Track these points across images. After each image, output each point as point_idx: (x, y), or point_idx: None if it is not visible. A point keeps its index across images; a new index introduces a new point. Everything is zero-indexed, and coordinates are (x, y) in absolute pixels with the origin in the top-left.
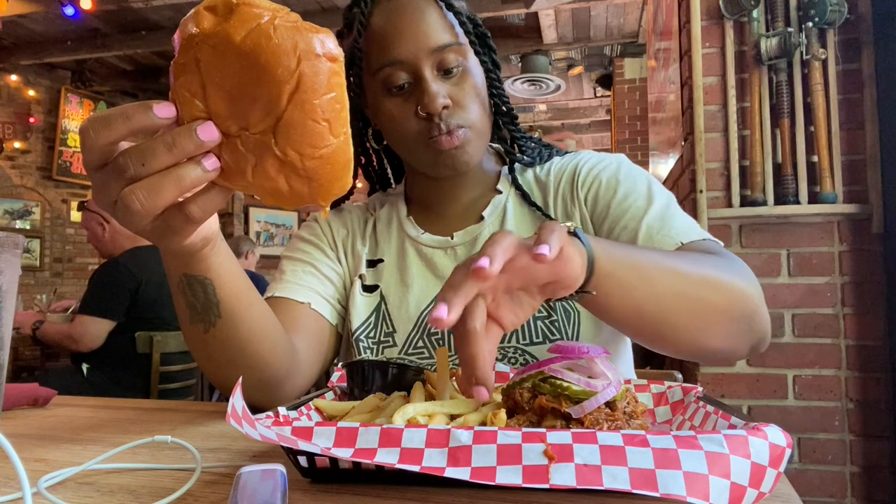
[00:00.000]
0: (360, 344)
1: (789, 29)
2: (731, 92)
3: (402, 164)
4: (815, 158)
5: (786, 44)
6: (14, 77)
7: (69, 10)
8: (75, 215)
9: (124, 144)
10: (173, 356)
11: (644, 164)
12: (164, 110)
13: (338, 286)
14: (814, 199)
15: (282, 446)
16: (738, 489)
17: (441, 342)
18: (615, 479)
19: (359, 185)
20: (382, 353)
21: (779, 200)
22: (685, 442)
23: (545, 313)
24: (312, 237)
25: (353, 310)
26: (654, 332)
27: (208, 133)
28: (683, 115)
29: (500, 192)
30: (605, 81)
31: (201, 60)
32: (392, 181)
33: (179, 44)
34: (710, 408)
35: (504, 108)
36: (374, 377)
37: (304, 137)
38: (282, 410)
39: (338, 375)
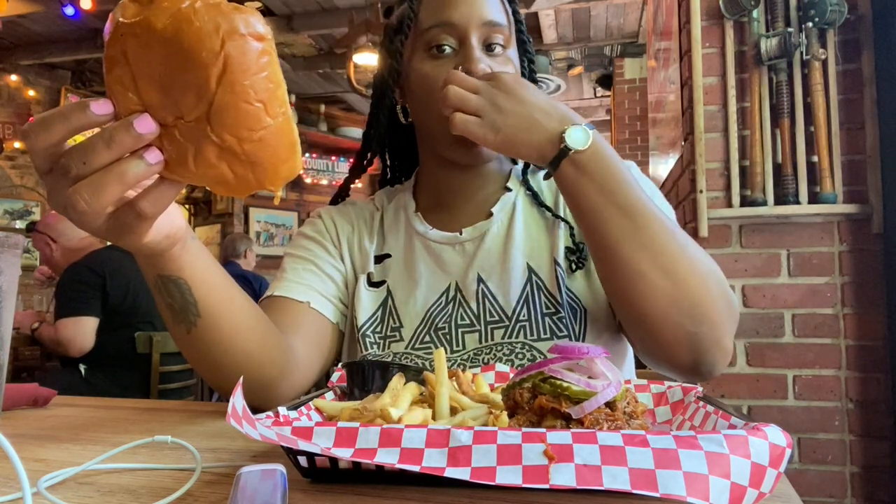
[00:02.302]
0: (367, 339)
1: (789, 29)
2: (731, 92)
3: (415, 159)
4: (815, 158)
5: (786, 44)
6: (14, 77)
7: (69, 10)
8: None
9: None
10: (173, 356)
11: (644, 164)
12: (100, 107)
13: (339, 284)
14: (814, 199)
15: (282, 446)
16: (739, 489)
17: (448, 337)
18: (615, 479)
19: (358, 184)
20: (389, 347)
21: (779, 200)
22: (685, 442)
23: (553, 309)
24: (315, 234)
25: (358, 305)
26: (607, 251)
27: (145, 125)
28: (683, 115)
29: (509, 190)
30: (605, 81)
31: (129, 51)
32: (401, 178)
33: (108, 36)
34: (710, 408)
35: None
36: (374, 377)
37: (239, 120)
38: (282, 410)
39: (338, 375)
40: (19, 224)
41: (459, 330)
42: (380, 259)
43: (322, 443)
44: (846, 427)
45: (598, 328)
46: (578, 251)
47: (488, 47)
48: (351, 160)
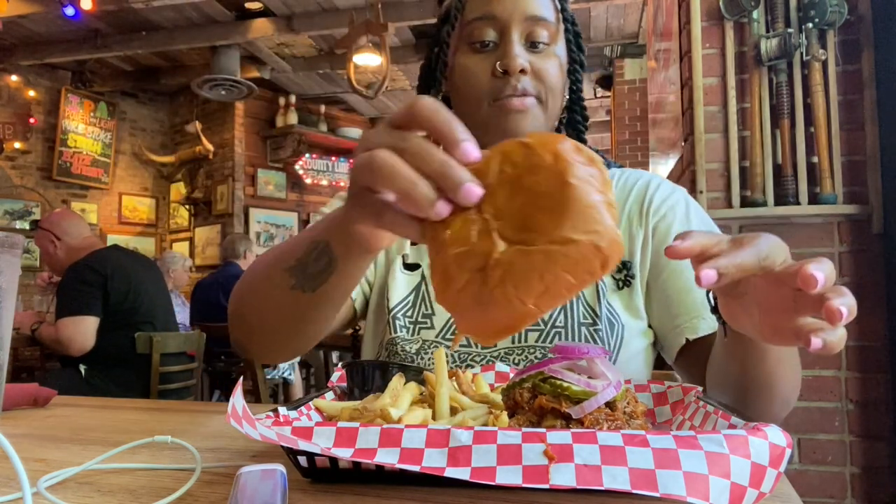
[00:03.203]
0: (397, 322)
1: (789, 30)
2: (732, 93)
3: None
4: (815, 159)
5: (786, 45)
6: (14, 77)
7: (69, 11)
8: None
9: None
10: (173, 356)
11: (644, 164)
12: (473, 152)
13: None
14: (814, 199)
15: (282, 446)
16: (739, 489)
17: None
18: (615, 479)
19: None
20: (419, 333)
21: (779, 201)
22: (685, 442)
23: (590, 321)
24: None
25: (392, 284)
26: (756, 374)
27: (473, 191)
28: (683, 115)
29: None
30: (606, 82)
31: (505, 172)
32: None
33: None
34: (710, 408)
35: (578, 108)
36: (374, 377)
37: (548, 290)
38: (282, 410)
39: (338, 375)
40: (19, 224)
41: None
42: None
43: (322, 443)
44: (846, 427)
45: (635, 344)
46: (626, 269)
47: (532, 43)
48: (351, 161)
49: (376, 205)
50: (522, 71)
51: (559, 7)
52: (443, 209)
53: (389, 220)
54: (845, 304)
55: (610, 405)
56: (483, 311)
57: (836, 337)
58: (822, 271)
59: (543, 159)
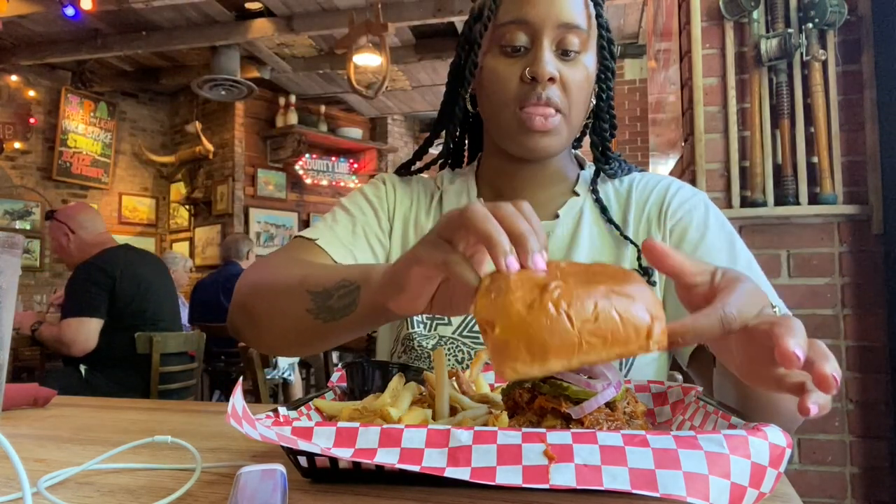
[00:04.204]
0: (414, 317)
1: (789, 30)
2: (732, 93)
3: (480, 143)
4: (815, 159)
5: (786, 45)
6: (14, 77)
7: (69, 11)
8: None
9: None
10: (173, 357)
11: (644, 164)
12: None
13: (379, 257)
14: (814, 200)
15: (282, 446)
16: (739, 489)
17: None
18: (615, 479)
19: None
20: (435, 329)
21: (779, 201)
22: (685, 442)
23: None
24: (374, 199)
25: None
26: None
27: (542, 259)
28: (683, 115)
29: (576, 195)
30: None
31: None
32: (466, 160)
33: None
34: (710, 408)
35: (606, 115)
36: (374, 377)
37: (582, 303)
38: (282, 410)
39: (338, 375)
40: (19, 224)
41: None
42: None
43: (322, 443)
44: (846, 428)
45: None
46: (648, 275)
47: (563, 51)
48: (351, 161)
49: (447, 250)
50: (551, 79)
51: (594, 12)
52: (513, 264)
53: (454, 261)
54: (835, 369)
55: (610, 405)
56: (528, 318)
57: (825, 400)
58: (799, 346)
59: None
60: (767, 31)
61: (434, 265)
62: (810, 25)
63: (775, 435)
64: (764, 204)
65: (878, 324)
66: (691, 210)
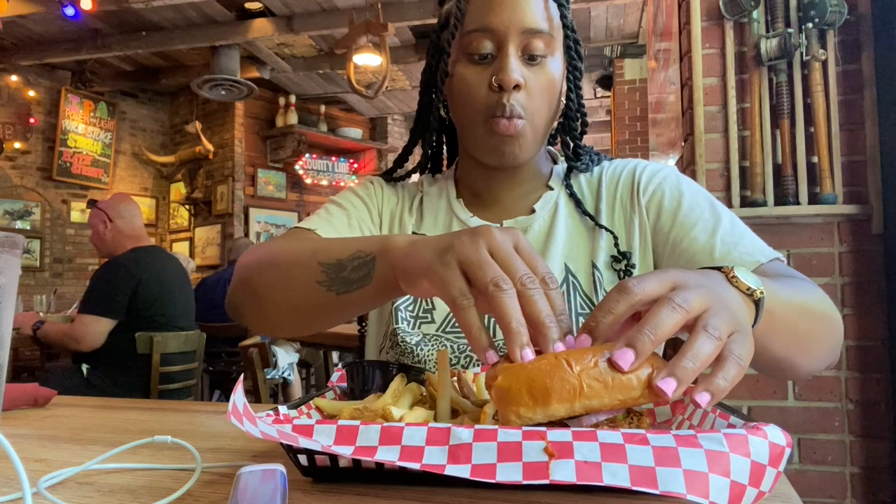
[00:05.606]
0: (399, 314)
1: (789, 30)
2: (731, 93)
3: (457, 148)
4: (815, 159)
5: (786, 45)
6: (14, 77)
7: (69, 11)
8: (75, 216)
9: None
10: (173, 356)
11: None
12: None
13: None
14: (814, 199)
15: (282, 444)
16: (738, 487)
17: None
18: (615, 475)
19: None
20: (420, 327)
21: (779, 201)
22: (685, 440)
23: (587, 311)
24: (365, 196)
25: None
26: (766, 362)
27: (561, 349)
28: (683, 115)
29: (551, 189)
30: (606, 82)
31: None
32: (444, 164)
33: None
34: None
35: (577, 114)
36: (374, 377)
37: (581, 354)
38: (282, 409)
39: (338, 375)
40: (19, 224)
41: (491, 319)
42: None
43: (323, 440)
44: (846, 427)
45: None
46: (626, 259)
47: (529, 56)
48: (351, 161)
49: (461, 288)
50: (517, 87)
51: (557, 13)
52: (529, 356)
53: (464, 307)
54: (703, 391)
55: (611, 420)
56: (529, 364)
57: (716, 387)
58: (672, 378)
59: None
60: (767, 31)
61: (446, 297)
62: (810, 25)
63: (775, 434)
64: (764, 204)
65: (878, 324)
66: (661, 182)
